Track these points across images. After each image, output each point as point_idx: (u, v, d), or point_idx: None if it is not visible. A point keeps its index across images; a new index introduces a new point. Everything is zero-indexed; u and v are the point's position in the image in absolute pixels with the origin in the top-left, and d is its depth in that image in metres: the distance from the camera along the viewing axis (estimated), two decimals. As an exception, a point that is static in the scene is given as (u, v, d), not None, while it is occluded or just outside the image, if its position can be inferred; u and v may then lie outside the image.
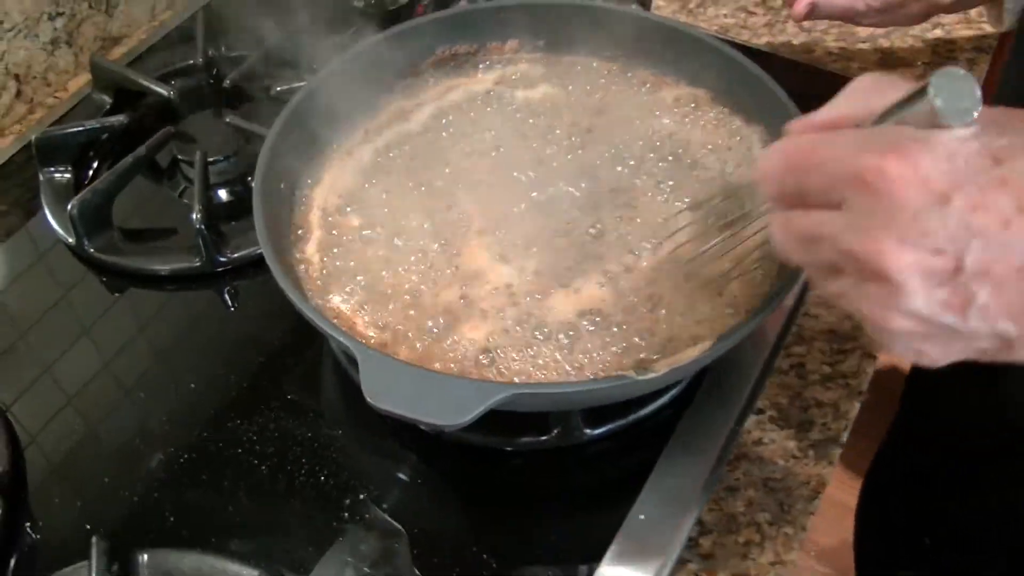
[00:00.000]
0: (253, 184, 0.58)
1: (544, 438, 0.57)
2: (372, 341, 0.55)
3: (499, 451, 0.58)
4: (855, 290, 0.35)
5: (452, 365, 0.53)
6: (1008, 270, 0.31)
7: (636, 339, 0.54)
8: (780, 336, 0.64)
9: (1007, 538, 0.71)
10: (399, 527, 0.55)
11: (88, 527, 0.55)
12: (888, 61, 0.87)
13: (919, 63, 0.86)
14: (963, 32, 0.89)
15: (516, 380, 0.53)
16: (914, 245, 0.32)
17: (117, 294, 0.70)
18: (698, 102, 0.68)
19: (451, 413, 0.46)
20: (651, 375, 0.48)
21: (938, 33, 0.89)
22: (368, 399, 0.46)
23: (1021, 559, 0.70)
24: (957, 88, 0.32)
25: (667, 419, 0.59)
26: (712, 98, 0.68)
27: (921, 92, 0.33)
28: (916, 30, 0.90)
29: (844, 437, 0.61)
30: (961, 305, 0.32)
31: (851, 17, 0.80)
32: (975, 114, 0.33)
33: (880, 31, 0.89)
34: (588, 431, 0.57)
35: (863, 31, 0.89)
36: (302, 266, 0.59)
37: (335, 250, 0.60)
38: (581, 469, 0.58)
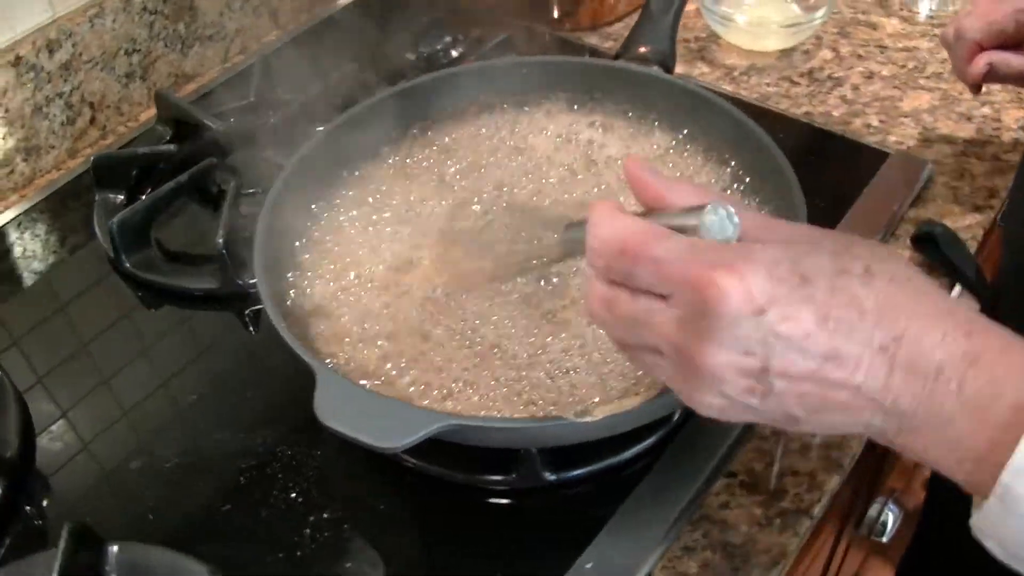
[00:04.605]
0: (259, 216, 0.62)
1: (502, 478, 0.58)
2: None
3: (463, 486, 0.60)
4: (672, 369, 0.41)
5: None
6: (802, 371, 0.38)
7: (612, 382, 0.56)
8: (764, 401, 0.64)
9: None
10: None
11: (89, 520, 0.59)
12: (928, 137, 0.86)
13: (960, 140, 0.85)
14: (1013, 111, 0.87)
15: (482, 413, 0.54)
16: (730, 348, 0.38)
17: (153, 308, 0.76)
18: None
19: (390, 437, 0.48)
20: (587, 419, 0.49)
21: (986, 111, 0.88)
22: (317, 415, 0.49)
23: None
24: (723, 220, 0.39)
25: (633, 473, 0.60)
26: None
27: (699, 209, 0.40)
28: (962, 107, 0.88)
29: (817, 510, 0.60)
30: (763, 393, 0.39)
31: None
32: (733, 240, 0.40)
33: (925, 106, 0.88)
34: (548, 475, 0.58)
35: (907, 106, 0.88)
36: (294, 291, 0.63)
37: (325, 280, 0.64)
38: (540, 512, 0.59)
